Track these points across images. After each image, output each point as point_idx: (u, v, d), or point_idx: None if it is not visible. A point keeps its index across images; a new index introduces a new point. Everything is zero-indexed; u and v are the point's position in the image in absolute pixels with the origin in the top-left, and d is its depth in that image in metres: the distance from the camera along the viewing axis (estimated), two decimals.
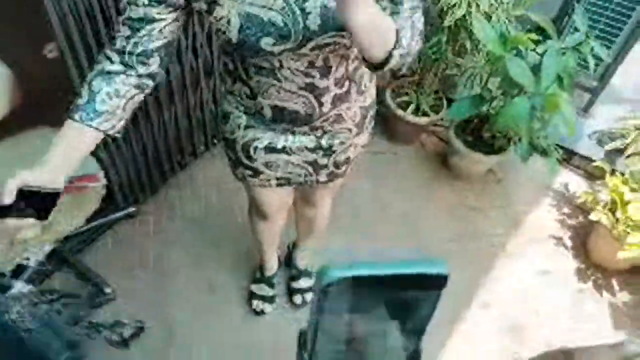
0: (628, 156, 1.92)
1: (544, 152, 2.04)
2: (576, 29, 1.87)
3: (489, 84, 2.08)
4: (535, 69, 1.84)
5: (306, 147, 1.17)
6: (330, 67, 0.98)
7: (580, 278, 2.07)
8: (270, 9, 0.84)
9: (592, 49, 1.79)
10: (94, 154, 1.69)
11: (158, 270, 1.91)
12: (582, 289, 2.03)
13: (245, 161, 1.22)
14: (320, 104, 1.05)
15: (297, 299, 1.85)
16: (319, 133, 1.15)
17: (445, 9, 1.88)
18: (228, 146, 1.24)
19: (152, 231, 2.03)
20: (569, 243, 2.18)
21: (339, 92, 1.06)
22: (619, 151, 1.93)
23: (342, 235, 2.02)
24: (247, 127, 1.15)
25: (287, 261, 1.95)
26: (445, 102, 2.38)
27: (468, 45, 2.02)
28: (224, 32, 0.87)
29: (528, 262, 2.09)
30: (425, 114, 2.33)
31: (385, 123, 2.44)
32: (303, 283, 1.87)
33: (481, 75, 2.11)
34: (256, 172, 1.25)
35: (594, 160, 2.22)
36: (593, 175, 2.32)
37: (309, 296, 1.85)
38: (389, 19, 0.80)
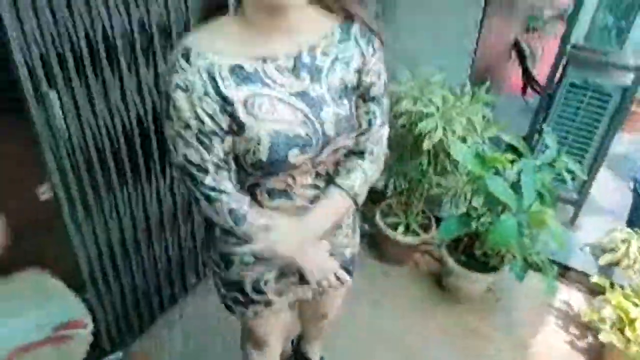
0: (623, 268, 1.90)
1: (539, 269, 2.01)
2: (547, 146, 1.97)
3: (474, 201, 2.12)
4: (515, 187, 1.89)
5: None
6: (329, 175, 1.09)
7: None
8: (295, 123, 0.94)
9: (566, 165, 1.87)
10: (80, 294, 1.64)
11: None
12: None
13: (256, 297, 1.19)
14: None
15: None
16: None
17: (423, 134, 2.00)
18: (234, 289, 1.19)
19: None
20: None
21: None
22: (612, 264, 1.91)
23: None
24: (255, 262, 1.13)
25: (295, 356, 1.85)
26: (434, 220, 2.41)
27: (448, 166, 2.11)
28: (254, 152, 0.94)
29: None
30: (415, 234, 2.34)
31: (377, 245, 2.44)
32: None
33: (465, 194, 2.16)
34: (267, 304, 1.22)
35: (590, 275, 2.18)
36: (593, 291, 2.26)
37: None
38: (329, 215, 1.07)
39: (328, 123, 0.97)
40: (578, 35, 2.40)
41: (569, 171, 1.88)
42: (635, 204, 2.35)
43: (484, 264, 2.18)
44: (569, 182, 1.89)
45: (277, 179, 1.02)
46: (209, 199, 0.97)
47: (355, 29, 0.99)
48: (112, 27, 1.41)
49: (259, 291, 1.18)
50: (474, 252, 2.19)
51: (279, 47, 0.93)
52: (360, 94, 1.03)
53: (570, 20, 2.38)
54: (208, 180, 0.95)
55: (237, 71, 0.90)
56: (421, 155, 2.11)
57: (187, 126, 0.90)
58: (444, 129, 2.01)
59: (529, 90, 3.70)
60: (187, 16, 1.64)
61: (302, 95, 0.95)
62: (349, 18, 0.99)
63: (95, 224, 1.62)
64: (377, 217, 2.39)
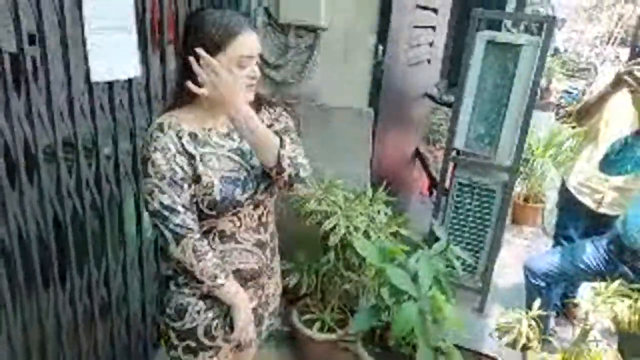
0: (522, 349, 2.01)
1: (446, 356, 2.08)
2: (437, 239, 2.17)
3: (383, 294, 2.22)
4: (416, 276, 2.03)
5: (252, 308, 1.40)
6: (267, 222, 1.41)
7: None
8: (235, 170, 1.30)
9: (454, 253, 2.06)
10: None
11: None
12: None
13: (207, 343, 1.37)
14: (266, 257, 1.42)
15: None
16: (259, 291, 1.44)
17: (328, 230, 2.14)
18: (187, 338, 1.36)
19: None
20: None
21: (272, 245, 1.45)
22: (510, 345, 2.02)
23: None
24: (207, 309, 1.35)
25: None
26: (350, 315, 2.46)
27: (355, 260, 2.23)
28: (210, 194, 1.25)
29: None
30: (332, 330, 2.36)
31: (296, 345, 2.42)
32: None
33: (373, 287, 2.27)
34: (217, 350, 1.39)
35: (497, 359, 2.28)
36: None
37: None
38: (267, 130, 1.27)
39: (257, 167, 1.33)
40: (460, 142, 2.78)
41: (458, 258, 2.06)
42: (527, 287, 2.55)
43: (400, 355, 2.22)
44: (458, 268, 2.06)
45: (226, 219, 1.30)
46: (177, 236, 1.22)
47: (264, 106, 1.42)
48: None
49: (210, 337, 1.37)
50: (388, 344, 2.24)
51: (218, 121, 1.33)
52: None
53: (450, 131, 2.77)
54: (178, 220, 1.22)
55: (193, 137, 1.27)
56: (329, 252, 2.23)
57: (163, 177, 1.21)
58: (347, 226, 2.17)
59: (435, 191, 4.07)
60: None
61: (237, 150, 1.33)
62: (258, 102, 1.38)
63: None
64: (294, 316, 2.41)
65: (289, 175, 1.29)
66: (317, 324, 2.37)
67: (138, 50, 1.85)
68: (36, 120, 1.54)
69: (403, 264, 2.11)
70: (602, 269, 2.32)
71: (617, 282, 1.89)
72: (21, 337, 1.66)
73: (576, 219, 2.76)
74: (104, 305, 1.97)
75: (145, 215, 2.11)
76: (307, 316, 2.44)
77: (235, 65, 1.23)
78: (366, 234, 2.21)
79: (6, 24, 1.42)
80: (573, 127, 3.87)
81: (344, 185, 2.37)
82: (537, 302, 2.06)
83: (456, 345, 2.17)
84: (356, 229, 2.18)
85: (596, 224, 2.63)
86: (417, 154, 3.99)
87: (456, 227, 2.84)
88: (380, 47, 2.46)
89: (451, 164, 2.90)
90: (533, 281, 2.50)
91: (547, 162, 4.17)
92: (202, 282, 1.27)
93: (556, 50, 10.49)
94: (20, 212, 1.57)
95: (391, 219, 2.36)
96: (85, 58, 1.65)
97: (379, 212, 2.32)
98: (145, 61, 1.90)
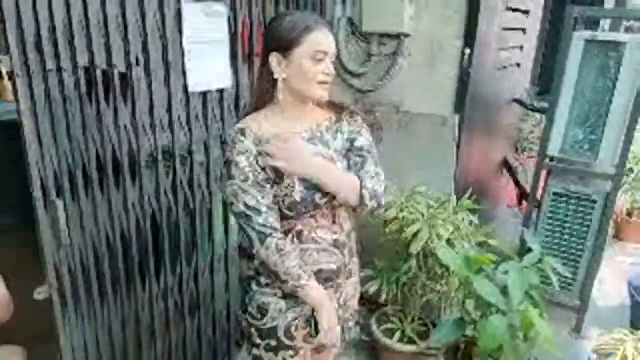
0: None
1: None
2: (529, 250, 2.03)
3: (468, 306, 2.12)
4: (505, 289, 1.92)
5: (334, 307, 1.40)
6: (342, 222, 1.42)
7: None
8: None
9: (550, 265, 1.91)
10: None
11: None
12: None
13: (287, 342, 1.39)
14: (344, 256, 1.43)
15: None
16: (338, 291, 1.44)
17: (410, 237, 2.09)
18: (268, 336, 1.39)
19: None
20: None
21: (350, 245, 1.47)
22: None
23: None
24: (287, 309, 1.37)
25: None
26: (432, 327, 2.37)
27: (438, 270, 2.15)
28: (290, 195, 1.28)
29: None
30: (411, 341, 2.29)
31: (374, 355, 2.37)
32: None
33: (457, 298, 2.17)
34: (296, 350, 1.41)
35: None
36: None
37: None
38: (339, 169, 1.34)
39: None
40: (554, 148, 2.59)
41: (554, 271, 1.91)
42: (632, 306, 2.30)
43: None
44: (555, 282, 1.90)
45: (304, 219, 1.33)
46: (261, 236, 1.25)
47: (345, 115, 1.43)
48: (120, 147, 1.65)
49: (290, 337, 1.39)
50: (472, 359, 2.12)
51: (300, 125, 1.34)
52: (353, 153, 1.40)
53: (544, 136, 2.60)
54: (261, 220, 1.25)
55: (276, 138, 1.28)
56: (410, 260, 2.17)
57: (246, 178, 1.26)
58: (430, 233, 2.10)
59: (524, 202, 3.82)
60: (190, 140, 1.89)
61: (317, 155, 1.33)
62: (340, 110, 1.43)
63: (85, 330, 1.69)
64: (373, 324, 2.37)
65: (371, 208, 1.34)
66: (397, 334, 2.31)
67: (230, 62, 1.96)
68: (140, 129, 1.69)
69: (490, 276, 2.00)
70: None
71: None
72: (119, 328, 1.81)
73: None
74: (192, 302, 2.08)
75: (232, 218, 2.21)
76: (387, 325, 2.38)
77: (310, 59, 1.26)
78: (450, 243, 2.12)
79: (117, 46, 1.58)
80: None
81: (427, 193, 2.31)
82: None
83: None
84: (439, 236, 2.10)
85: None
86: (505, 163, 3.79)
87: (549, 239, 2.63)
88: (467, 52, 2.38)
89: (544, 173, 2.71)
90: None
91: None
92: (285, 282, 1.29)
93: None
94: (124, 210, 1.72)
95: (477, 228, 2.25)
96: (184, 72, 1.78)
97: (463, 220, 2.23)
98: (235, 72, 2.01)
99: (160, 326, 1.95)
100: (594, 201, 2.54)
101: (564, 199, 2.61)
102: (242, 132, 1.28)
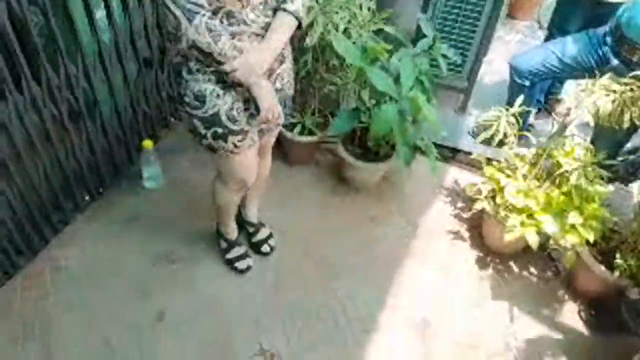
0: (498, 145, 2.04)
1: (424, 153, 2.13)
2: (424, 36, 2.00)
3: (363, 96, 2.16)
4: (399, 77, 1.94)
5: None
6: (271, 4, 1.35)
7: (480, 267, 2.14)
8: None
9: (440, 51, 1.92)
10: None
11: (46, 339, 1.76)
12: (482, 276, 2.10)
13: (233, 127, 1.42)
14: None
15: (265, 248, 2.06)
16: (272, 77, 1.43)
17: (304, 29, 1.95)
18: (212, 124, 1.40)
19: (36, 297, 1.87)
20: (466, 235, 2.26)
21: None
22: (486, 141, 2.05)
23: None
24: (225, 94, 1.37)
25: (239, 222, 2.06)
26: (330, 119, 2.45)
27: (335, 62, 2.10)
28: None
29: (431, 260, 2.15)
30: (312, 133, 2.37)
31: (278, 148, 2.45)
32: (263, 233, 2.08)
33: (354, 89, 2.19)
34: (244, 134, 1.46)
35: (472, 153, 2.35)
36: (477, 168, 2.45)
37: (272, 242, 2.08)
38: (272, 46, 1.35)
39: None
40: None
41: (444, 56, 1.93)
42: (510, 86, 2.49)
43: (377, 155, 2.28)
44: (443, 67, 1.94)
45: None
46: (188, 13, 1.19)
47: None
48: None
49: (233, 120, 1.41)
50: (367, 144, 2.27)
51: None
52: None
53: None
54: None
55: None
56: (307, 53, 2.08)
57: None
58: (326, 24, 1.97)
59: None
60: None
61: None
62: None
63: None
64: None
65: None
66: (298, 127, 2.36)
67: None
68: None
69: (385, 65, 2.00)
70: (593, 64, 2.23)
71: (605, 76, 1.81)
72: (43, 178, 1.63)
73: (575, 8, 2.53)
74: (72, 112, 1.90)
75: (99, 14, 1.88)
76: (288, 120, 2.41)
77: None
78: (347, 33, 2.02)
79: None
80: None
81: None
82: (519, 100, 2.02)
83: (434, 143, 2.21)
84: (336, 27, 1.98)
85: (597, 14, 2.43)
86: None
87: (447, 22, 2.61)
88: None
89: None
90: (518, 80, 2.43)
91: None
92: (220, 63, 1.26)
93: None
94: None
95: (375, 14, 2.14)
96: None
97: (361, 7, 2.09)
98: None
99: (41, 141, 1.80)
100: None
101: None
102: None
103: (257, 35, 1.34)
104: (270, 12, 1.36)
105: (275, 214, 2.23)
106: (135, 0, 2.07)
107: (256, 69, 1.32)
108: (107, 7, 1.92)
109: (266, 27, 1.35)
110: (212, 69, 1.32)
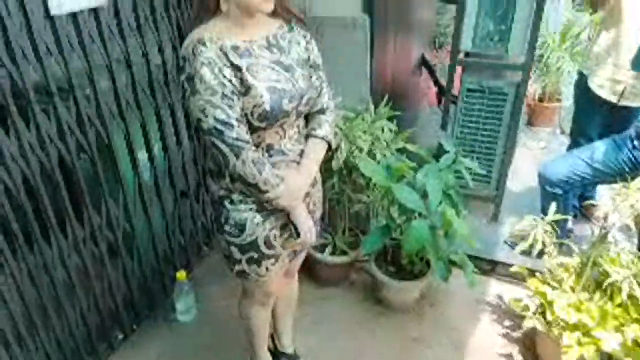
0: (538, 255, 1.97)
1: (461, 267, 2.06)
2: (446, 151, 2.06)
3: (392, 213, 2.17)
4: (426, 192, 1.95)
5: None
6: (303, 133, 1.46)
7: None
8: (280, 81, 1.30)
9: (463, 165, 1.95)
10: None
11: None
12: None
13: (268, 252, 1.45)
14: None
15: None
16: (306, 199, 1.49)
17: (330, 154, 2.04)
18: (249, 250, 1.43)
19: None
20: (519, 358, 2.07)
21: None
22: (526, 252, 1.98)
23: None
24: (264, 221, 1.41)
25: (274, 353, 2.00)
26: (361, 237, 2.44)
27: (362, 182, 2.15)
28: (259, 105, 1.26)
29: None
30: (344, 253, 2.35)
31: (309, 270, 2.43)
32: None
33: (382, 207, 2.21)
34: (276, 258, 1.49)
35: (512, 266, 2.25)
36: (520, 280, 2.33)
37: None
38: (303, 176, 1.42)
39: (300, 80, 1.35)
40: (467, 42, 2.55)
41: (468, 170, 1.96)
42: (542, 195, 2.46)
43: (412, 273, 2.22)
44: (468, 179, 1.96)
45: (272, 131, 1.33)
46: (235, 149, 1.24)
47: (294, 23, 1.41)
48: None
49: (270, 246, 1.44)
50: (401, 262, 2.22)
51: (253, 33, 1.31)
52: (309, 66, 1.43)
53: (456, 30, 2.54)
54: (234, 134, 1.23)
55: (235, 49, 1.25)
56: (333, 176, 2.14)
57: (214, 92, 1.20)
58: (350, 147, 2.07)
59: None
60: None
61: (278, 63, 1.32)
62: (288, 17, 1.39)
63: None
64: None
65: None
66: (329, 248, 2.35)
67: None
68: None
69: (412, 182, 2.03)
70: (624, 167, 2.20)
71: (638, 179, 1.78)
72: (30, 285, 1.66)
73: (593, 114, 2.59)
74: (111, 249, 1.96)
75: (140, 156, 2.03)
76: (317, 242, 2.41)
77: None
78: (371, 154, 2.11)
79: None
80: (590, 14, 3.53)
81: (343, 103, 2.23)
82: (553, 207, 1.98)
83: (470, 256, 2.14)
84: (360, 149, 2.07)
85: (616, 119, 2.47)
86: (424, 61, 3.74)
87: (467, 137, 2.69)
88: None
89: (459, 69, 2.70)
90: (549, 189, 2.40)
91: (563, 55, 3.90)
92: (265, 192, 1.31)
93: None
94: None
95: (397, 135, 2.24)
96: None
97: (382, 129, 2.20)
98: None
99: (80, 280, 1.84)
100: (505, 94, 2.59)
101: (477, 94, 2.63)
102: (201, 42, 1.21)
103: (293, 161, 1.42)
104: (303, 140, 1.46)
105: (308, 338, 2.13)
106: (174, 141, 2.24)
107: (296, 194, 1.39)
108: (149, 147, 2.08)
109: (301, 154, 1.44)
110: (252, 198, 1.38)
